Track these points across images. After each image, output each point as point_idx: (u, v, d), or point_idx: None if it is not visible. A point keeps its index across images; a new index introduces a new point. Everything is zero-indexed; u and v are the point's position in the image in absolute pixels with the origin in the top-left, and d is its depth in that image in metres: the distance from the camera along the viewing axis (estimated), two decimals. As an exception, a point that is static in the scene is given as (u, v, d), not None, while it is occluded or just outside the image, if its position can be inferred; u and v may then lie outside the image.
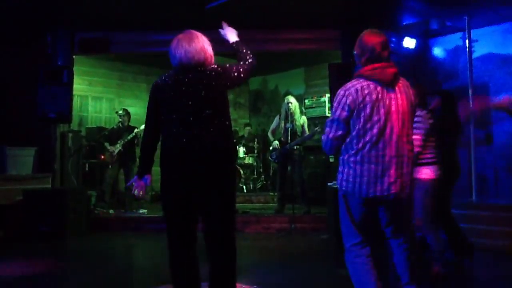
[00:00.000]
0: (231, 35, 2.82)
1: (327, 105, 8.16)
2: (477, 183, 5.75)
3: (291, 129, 6.24)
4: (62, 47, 6.16)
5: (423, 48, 6.82)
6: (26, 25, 6.42)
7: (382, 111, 2.40)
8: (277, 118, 6.81)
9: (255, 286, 3.48)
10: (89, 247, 5.40)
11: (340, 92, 2.47)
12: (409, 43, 6.20)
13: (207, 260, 2.52)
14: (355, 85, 2.44)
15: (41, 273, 4.12)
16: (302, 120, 6.58)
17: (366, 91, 2.41)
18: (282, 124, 6.50)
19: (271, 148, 6.71)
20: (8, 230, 5.56)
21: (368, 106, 2.39)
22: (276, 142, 6.60)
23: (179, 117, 2.47)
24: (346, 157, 2.48)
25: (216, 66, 2.58)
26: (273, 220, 6.25)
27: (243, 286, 3.49)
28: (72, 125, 7.50)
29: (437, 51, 6.98)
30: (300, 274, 4.00)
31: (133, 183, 2.63)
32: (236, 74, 2.59)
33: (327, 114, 8.18)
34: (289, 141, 6.18)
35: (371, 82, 2.43)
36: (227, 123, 2.56)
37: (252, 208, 7.23)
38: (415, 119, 3.23)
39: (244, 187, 8.48)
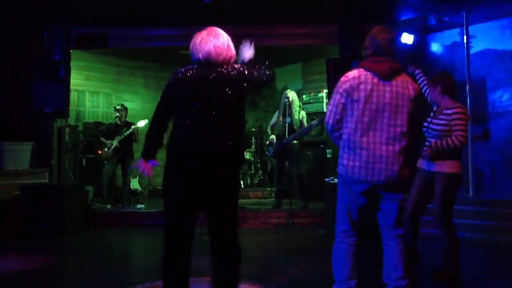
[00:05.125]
0: (248, 53, 2.71)
1: (325, 100, 8.13)
2: (474, 179, 5.76)
3: (289, 124, 6.23)
4: (59, 42, 6.11)
5: (421, 43, 6.81)
6: (22, 20, 6.39)
7: (375, 100, 2.56)
8: (276, 113, 6.79)
9: (252, 281, 3.49)
10: (87, 243, 5.40)
11: (341, 79, 2.69)
12: (407, 38, 6.19)
13: (212, 259, 2.50)
14: (353, 73, 2.65)
15: (39, 269, 4.11)
16: (301, 115, 6.54)
17: (362, 79, 2.59)
18: (281, 119, 6.48)
19: (268, 142, 6.70)
20: (6, 225, 5.55)
21: (362, 94, 2.57)
22: (273, 136, 6.58)
23: (197, 112, 2.41)
24: (342, 142, 2.67)
25: (239, 65, 2.54)
26: (271, 215, 6.26)
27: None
28: (69, 120, 7.49)
29: (435, 47, 6.98)
30: (297, 268, 4.01)
31: (137, 167, 2.57)
32: (257, 75, 2.55)
33: (325, 110, 8.16)
34: (286, 136, 6.17)
35: (368, 73, 2.61)
36: (242, 124, 2.55)
37: (250, 204, 7.24)
38: (456, 116, 3.30)
39: (242, 182, 8.48)
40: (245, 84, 2.50)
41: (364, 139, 2.55)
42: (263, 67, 2.61)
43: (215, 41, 2.49)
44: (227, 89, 2.44)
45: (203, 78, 2.45)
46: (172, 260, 2.45)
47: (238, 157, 2.51)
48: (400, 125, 2.58)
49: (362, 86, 2.56)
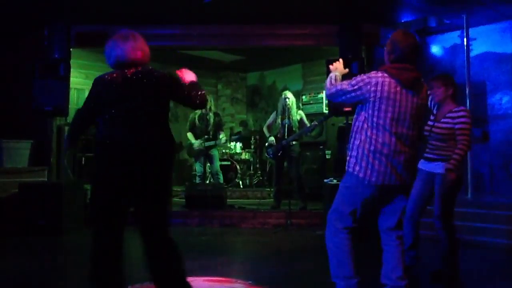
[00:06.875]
0: (189, 76, 2.79)
1: (324, 101, 8.15)
2: (473, 181, 5.77)
3: (288, 125, 6.23)
4: (59, 40, 6.10)
5: (421, 45, 6.82)
6: (22, 17, 6.38)
7: (397, 109, 2.56)
8: (273, 113, 6.79)
9: (250, 281, 3.49)
10: (86, 241, 5.35)
11: (363, 76, 2.65)
12: (407, 40, 6.19)
13: (147, 258, 2.61)
14: (377, 77, 2.60)
15: (37, 267, 4.10)
16: (299, 115, 6.54)
17: (386, 87, 2.57)
18: (279, 120, 6.47)
19: (267, 144, 6.70)
20: (4, 223, 5.54)
21: (384, 101, 2.56)
22: (272, 138, 6.58)
23: (118, 113, 2.48)
24: (360, 143, 2.63)
25: (166, 73, 2.60)
26: (269, 216, 6.26)
27: (239, 280, 3.50)
28: (69, 119, 7.47)
29: (435, 49, 6.99)
30: (296, 269, 4.02)
31: None
32: (187, 94, 2.61)
33: (324, 111, 8.17)
34: (285, 137, 6.16)
35: (393, 80, 2.58)
36: (165, 123, 2.60)
37: (248, 204, 7.24)
38: (461, 119, 3.32)
39: (241, 182, 8.48)
40: (167, 90, 2.57)
41: (386, 145, 2.56)
42: (199, 93, 2.64)
43: (121, 44, 2.60)
44: (143, 89, 2.50)
45: (122, 79, 2.52)
46: (105, 259, 2.60)
47: (167, 151, 2.55)
48: (417, 132, 2.68)
49: (385, 94, 2.56)
